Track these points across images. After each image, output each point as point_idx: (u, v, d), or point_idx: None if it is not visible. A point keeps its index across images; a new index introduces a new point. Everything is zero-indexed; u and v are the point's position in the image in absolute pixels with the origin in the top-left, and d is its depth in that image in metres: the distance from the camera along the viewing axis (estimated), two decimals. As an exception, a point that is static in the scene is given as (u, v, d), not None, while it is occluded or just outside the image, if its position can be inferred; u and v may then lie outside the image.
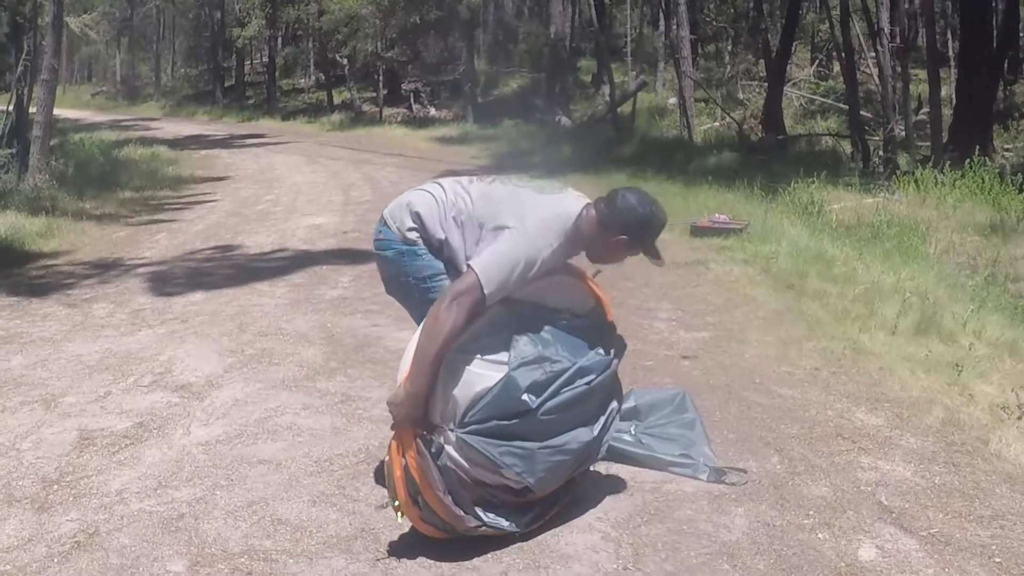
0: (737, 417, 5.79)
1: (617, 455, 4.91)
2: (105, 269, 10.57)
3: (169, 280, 9.89)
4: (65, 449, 5.32)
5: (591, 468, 4.51)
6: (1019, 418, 5.70)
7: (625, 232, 4.16)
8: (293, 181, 19.57)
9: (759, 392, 6.25)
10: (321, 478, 4.87)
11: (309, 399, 6.10)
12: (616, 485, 4.72)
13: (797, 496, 4.65)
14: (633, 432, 5.06)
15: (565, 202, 4.23)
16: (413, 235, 4.28)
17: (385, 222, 4.41)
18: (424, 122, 36.90)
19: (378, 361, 6.91)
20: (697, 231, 12.10)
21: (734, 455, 5.17)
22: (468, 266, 3.98)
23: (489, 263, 3.94)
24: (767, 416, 5.80)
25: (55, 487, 4.80)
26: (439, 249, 4.26)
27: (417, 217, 4.28)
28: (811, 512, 4.47)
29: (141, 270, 10.43)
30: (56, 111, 20.17)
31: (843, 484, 4.80)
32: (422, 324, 3.99)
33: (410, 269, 4.29)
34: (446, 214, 4.23)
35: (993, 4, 25.02)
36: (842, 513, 4.46)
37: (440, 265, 4.25)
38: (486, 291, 3.90)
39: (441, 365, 3.93)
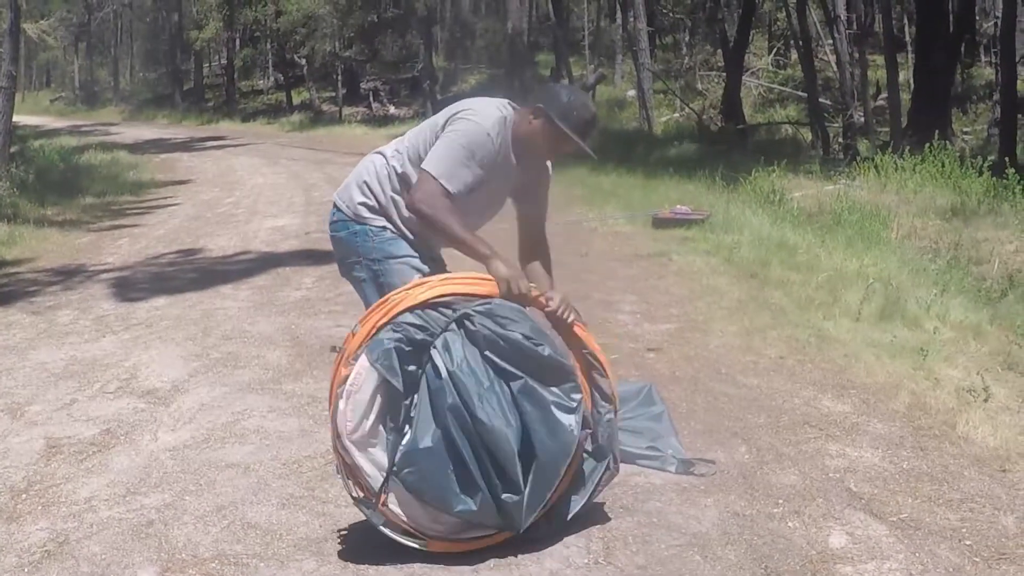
0: (704, 408, 5.80)
1: (586, 449, 4.90)
2: (68, 276, 10.51)
3: (132, 285, 9.84)
4: (32, 458, 5.28)
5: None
6: (985, 400, 5.73)
7: (543, 103, 4.19)
8: (254, 183, 19.53)
9: (725, 382, 6.28)
10: (290, 481, 4.86)
11: (275, 401, 6.08)
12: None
13: (766, 485, 4.67)
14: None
15: (499, 100, 4.37)
16: (364, 210, 4.34)
17: (336, 206, 4.48)
18: (384, 120, 36.99)
19: (344, 362, 6.90)
20: (659, 223, 12.13)
21: (702, 446, 5.18)
22: (420, 169, 4.13)
23: (436, 157, 4.10)
24: (734, 406, 5.82)
25: (23, 496, 4.77)
26: (395, 203, 4.31)
27: (365, 187, 4.36)
28: (780, 501, 4.49)
29: (104, 276, 10.38)
30: (15, 118, 20.04)
31: (811, 472, 4.82)
32: (430, 225, 4.13)
33: (362, 250, 4.35)
34: (390, 173, 4.31)
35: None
36: (811, 501, 4.48)
37: (390, 249, 4.29)
38: (446, 185, 4.06)
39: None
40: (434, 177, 4.03)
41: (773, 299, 8.29)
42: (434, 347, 3.83)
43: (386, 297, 3.97)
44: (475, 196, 4.18)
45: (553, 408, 3.87)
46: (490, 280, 4.01)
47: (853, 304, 7.75)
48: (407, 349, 3.80)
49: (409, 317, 3.84)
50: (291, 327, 7.93)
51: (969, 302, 8.13)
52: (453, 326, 3.86)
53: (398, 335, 3.80)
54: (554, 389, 3.89)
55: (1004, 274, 9.50)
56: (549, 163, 4.50)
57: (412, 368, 3.82)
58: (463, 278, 4.03)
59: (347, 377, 3.82)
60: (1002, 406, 5.72)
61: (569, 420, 3.89)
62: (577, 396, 3.95)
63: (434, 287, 3.95)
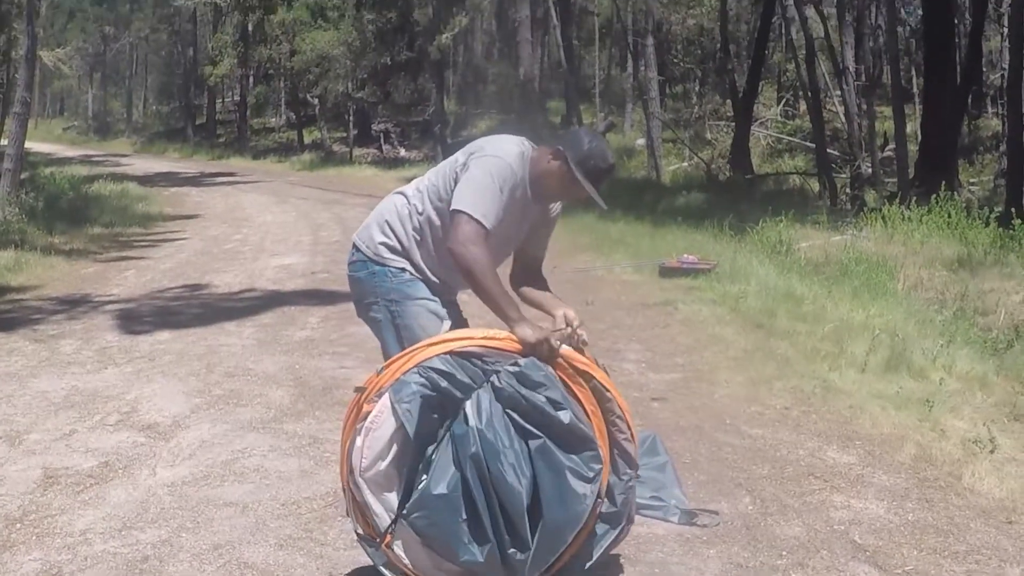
0: (708, 458, 5.77)
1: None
2: (73, 305, 10.51)
3: (137, 318, 9.82)
4: (29, 487, 5.26)
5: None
6: (991, 452, 5.71)
7: (563, 146, 4.14)
8: (262, 220, 19.55)
9: (729, 433, 6.24)
10: (288, 521, 4.82)
11: (276, 441, 6.05)
12: (587, 526, 4.67)
13: (770, 537, 4.63)
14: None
15: (515, 137, 4.31)
16: (384, 250, 4.26)
17: (356, 246, 4.40)
18: (394, 163, 37.07)
19: (346, 403, 6.82)
20: (666, 272, 12.10)
21: (705, 497, 5.14)
22: (453, 211, 4.00)
23: (468, 195, 4.00)
24: (738, 457, 5.79)
25: (18, 525, 4.74)
26: (418, 243, 4.25)
27: (387, 226, 4.29)
28: (784, 552, 4.45)
29: (109, 307, 10.37)
30: (27, 144, 20.13)
31: (816, 523, 4.78)
32: (467, 275, 3.99)
33: (380, 290, 4.27)
34: (411, 212, 4.26)
35: (956, 40, 25.26)
36: (815, 553, 4.44)
37: (408, 291, 4.23)
38: (483, 222, 3.95)
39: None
40: (472, 216, 3.93)
41: (779, 349, 8.26)
42: (467, 400, 3.77)
43: (416, 345, 3.91)
44: (497, 231, 4.14)
45: (568, 475, 3.79)
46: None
47: (859, 355, 7.72)
48: (431, 394, 3.74)
49: (436, 363, 3.78)
50: (295, 367, 7.90)
51: (975, 353, 8.10)
52: (484, 382, 3.81)
53: (423, 379, 3.75)
54: (573, 456, 3.81)
55: (1010, 325, 9.48)
56: (557, 205, 4.47)
57: (435, 416, 3.77)
58: (496, 335, 3.93)
59: (368, 414, 3.79)
60: (1008, 457, 5.70)
61: (585, 489, 3.81)
62: (596, 467, 3.86)
63: (464, 339, 3.90)
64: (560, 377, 3.87)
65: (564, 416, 3.76)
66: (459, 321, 4.24)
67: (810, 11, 26.73)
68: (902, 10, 35.90)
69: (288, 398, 7.00)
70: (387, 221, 4.29)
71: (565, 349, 3.94)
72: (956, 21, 27.14)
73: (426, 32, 36.80)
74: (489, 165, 4.04)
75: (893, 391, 6.90)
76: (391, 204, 4.35)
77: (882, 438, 6.08)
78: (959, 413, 6.49)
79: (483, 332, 3.94)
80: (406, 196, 4.31)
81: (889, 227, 14.78)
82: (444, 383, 3.74)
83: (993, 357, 8.12)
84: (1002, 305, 10.23)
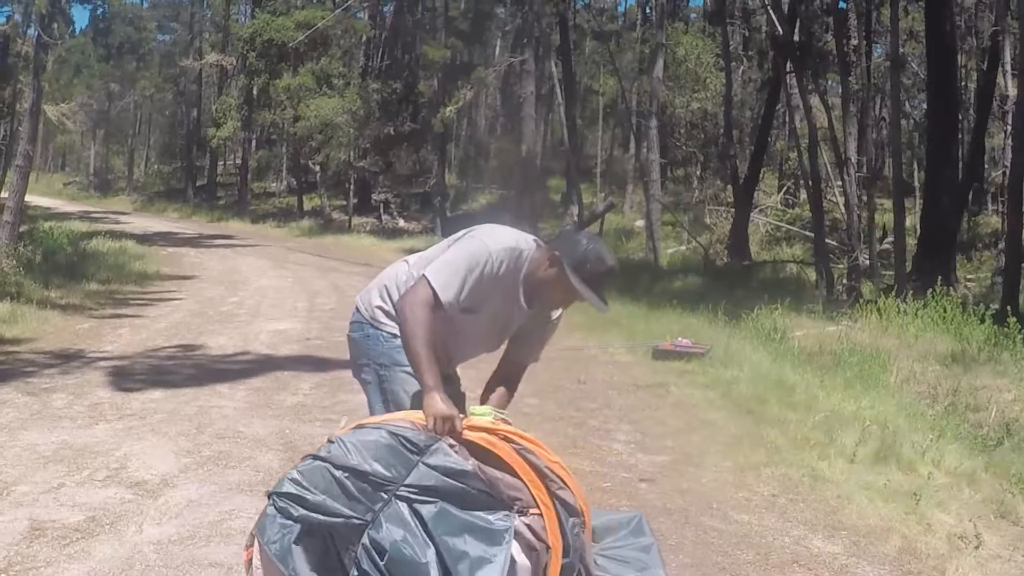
0: (693, 542, 5.77)
1: None
2: (66, 360, 10.50)
3: (130, 375, 9.82)
4: (15, 538, 5.25)
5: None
6: (976, 548, 5.71)
7: (559, 250, 4.11)
8: (259, 284, 19.57)
9: (716, 517, 6.24)
10: (273, 584, 4.81)
11: (264, 504, 6.01)
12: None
13: (752, 622, 4.62)
14: (588, 552, 4.99)
15: (522, 233, 4.31)
16: (380, 314, 4.32)
17: (356, 307, 4.47)
18: (393, 233, 37.16)
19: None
20: (659, 354, 12.11)
21: (689, 579, 5.14)
22: (421, 275, 4.06)
23: (437, 265, 4.08)
24: (723, 542, 5.78)
25: (2, 577, 4.73)
26: None
27: (385, 291, 4.35)
28: (765, 639, 4.44)
29: (102, 363, 10.37)
30: (27, 198, 20.19)
31: (798, 611, 4.78)
32: (401, 329, 4.05)
33: (372, 353, 4.32)
34: (409, 280, 4.27)
35: (959, 136, 25.47)
36: (796, 641, 4.44)
37: (398, 357, 4.22)
38: (439, 292, 3.99)
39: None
40: (430, 284, 3.99)
41: (769, 436, 8.26)
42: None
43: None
44: (471, 320, 4.16)
45: (470, 535, 3.57)
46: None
47: (849, 445, 7.72)
48: (291, 523, 3.64)
49: (287, 486, 3.68)
50: (285, 431, 7.89)
51: (965, 449, 8.11)
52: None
53: (276, 511, 3.67)
54: (478, 513, 3.62)
55: (1001, 422, 9.47)
56: (559, 311, 4.46)
57: (317, 538, 3.62)
58: (392, 418, 3.88)
59: (250, 561, 3.73)
60: (993, 554, 5.71)
61: (494, 552, 3.56)
62: (504, 524, 3.63)
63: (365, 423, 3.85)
64: (477, 442, 3.77)
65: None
66: (455, 394, 4.24)
67: (815, 100, 26.95)
68: (907, 103, 36.32)
69: (277, 462, 6.99)
70: (386, 286, 4.35)
71: (471, 420, 3.91)
72: (960, 117, 27.42)
73: (430, 104, 37.15)
74: (471, 246, 4.11)
75: (881, 483, 6.91)
76: (393, 271, 4.42)
77: (868, 529, 6.08)
78: (946, 508, 6.49)
79: (380, 417, 3.94)
80: (408, 264, 4.37)
81: (884, 319, 14.80)
82: (298, 511, 3.62)
83: (983, 454, 8.13)
84: (994, 402, 10.23)
